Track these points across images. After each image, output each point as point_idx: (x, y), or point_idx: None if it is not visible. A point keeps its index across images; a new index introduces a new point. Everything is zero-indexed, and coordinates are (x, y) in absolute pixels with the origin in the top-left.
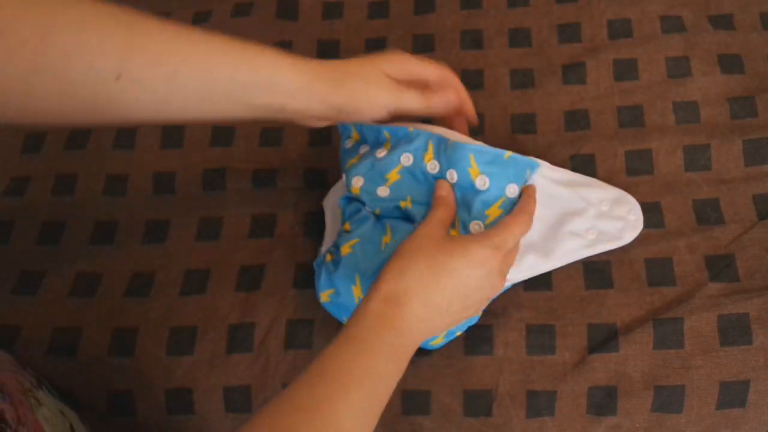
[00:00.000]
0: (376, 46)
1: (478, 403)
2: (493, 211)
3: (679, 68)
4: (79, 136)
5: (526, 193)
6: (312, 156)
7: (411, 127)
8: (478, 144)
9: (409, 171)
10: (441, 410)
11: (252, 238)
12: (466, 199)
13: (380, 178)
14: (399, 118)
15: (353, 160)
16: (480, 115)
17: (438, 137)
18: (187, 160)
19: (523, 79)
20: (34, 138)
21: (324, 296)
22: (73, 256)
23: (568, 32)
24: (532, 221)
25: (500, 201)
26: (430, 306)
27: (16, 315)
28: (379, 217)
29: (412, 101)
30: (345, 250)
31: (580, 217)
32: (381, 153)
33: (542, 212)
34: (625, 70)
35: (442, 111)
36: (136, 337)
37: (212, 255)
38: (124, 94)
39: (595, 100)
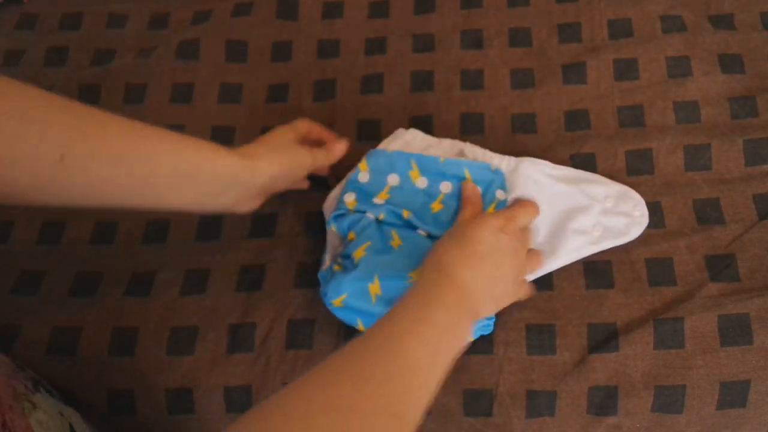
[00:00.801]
0: (376, 45)
1: (478, 402)
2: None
3: (679, 68)
4: None
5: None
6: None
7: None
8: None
9: (396, 191)
10: (441, 410)
11: (252, 238)
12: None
13: (371, 198)
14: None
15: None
16: (480, 115)
17: (419, 156)
18: None
19: (523, 79)
20: None
21: (336, 302)
22: (74, 255)
23: (569, 32)
24: (536, 208)
25: (494, 203)
26: (471, 268)
27: (16, 315)
28: (381, 223)
29: (322, 157)
30: (359, 253)
31: (584, 215)
32: (364, 178)
33: (546, 211)
34: (626, 69)
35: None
36: (137, 336)
37: (213, 255)
38: (67, 175)
39: (596, 99)
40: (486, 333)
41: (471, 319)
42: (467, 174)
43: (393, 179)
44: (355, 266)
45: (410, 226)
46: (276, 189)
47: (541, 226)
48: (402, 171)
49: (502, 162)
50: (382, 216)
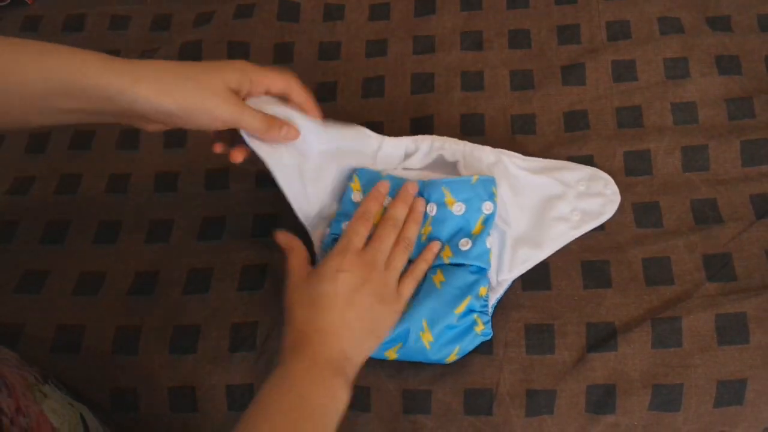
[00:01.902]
0: (377, 47)
1: (479, 401)
2: (477, 228)
3: (677, 69)
4: (83, 137)
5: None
6: None
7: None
8: (447, 177)
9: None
10: (441, 409)
11: (254, 237)
12: (450, 225)
13: None
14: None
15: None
16: (480, 116)
17: (407, 180)
18: (190, 160)
19: (522, 80)
20: (38, 138)
21: None
22: (77, 255)
23: (568, 34)
24: (367, 217)
25: (481, 218)
26: (328, 330)
27: (20, 313)
28: None
29: (253, 121)
30: None
31: (561, 201)
32: (357, 198)
33: (524, 202)
34: (624, 71)
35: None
36: (140, 335)
37: (215, 254)
38: None
39: (594, 101)
40: (486, 339)
41: (339, 368)
42: (446, 191)
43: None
44: None
45: None
46: (172, 124)
47: (522, 219)
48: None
49: (483, 153)
50: None
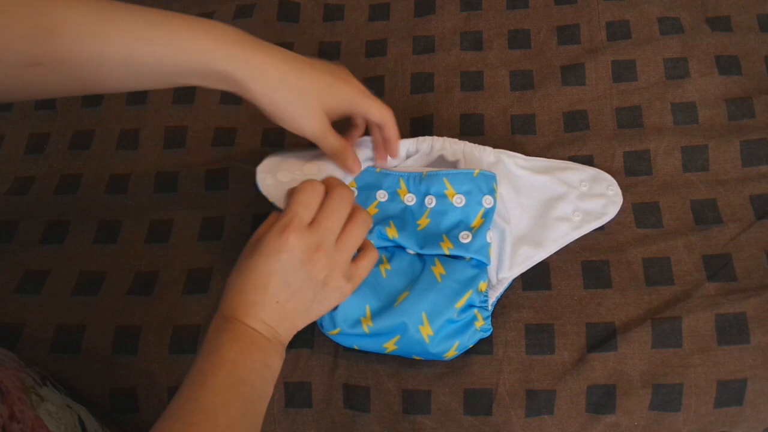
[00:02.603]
0: (376, 47)
1: (478, 402)
2: (477, 222)
3: (677, 69)
4: (83, 137)
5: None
6: None
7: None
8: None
9: (385, 205)
10: (441, 409)
11: None
12: (449, 217)
13: None
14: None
15: None
16: (480, 116)
17: (408, 174)
18: (190, 160)
19: (522, 81)
20: (38, 138)
21: (332, 333)
22: (77, 255)
23: (567, 34)
24: (317, 186)
25: (481, 212)
26: (258, 305)
27: (20, 313)
28: None
29: (330, 146)
30: None
31: (563, 202)
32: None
33: (526, 202)
34: (624, 71)
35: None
36: (139, 335)
37: (215, 254)
38: (49, 77)
39: (594, 101)
40: (485, 336)
41: (268, 339)
42: (447, 183)
43: (381, 195)
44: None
45: (398, 246)
46: (275, 120)
47: (523, 219)
48: (390, 188)
49: (483, 153)
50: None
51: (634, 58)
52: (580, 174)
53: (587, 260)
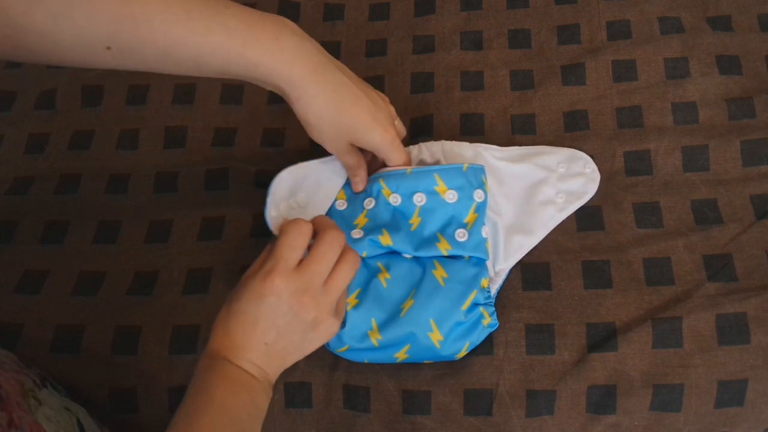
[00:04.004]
0: (376, 47)
1: (479, 402)
2: (471, 217)
3: (677, 69)
4: (83, 137)
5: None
6: (313, 157)
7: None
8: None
9: (373, 212)
10: (441, 409)
11: (254, 237)
12: (441, 214)
13: (351, 226)
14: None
15: None
16: (480, 116)
17: (386, 174)
18: (190, 160)
19: (522, 80)
20: (38, 138)
21: (340, 350)
22: (76, 255)
23: (568, 33)
24: (303, 228)
25: (473, 206)
26: (244, 347)
27: (20, 313)
28: (365, 260)
29: (346, 163)
30: (351, 301)
31: (545, 186)
32: (342, 206)
33: (509, 192)
34: (624, 71)
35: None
36: (139, 335)
37: (214, 254)
38: (114, 61)
39: (594, 100)
40: (493, 329)
41: (255, 378)
42: (438, 179)
43: (368, 202)
44: (346, 318)
45: (393, 253)
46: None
47: (509, 208)
48: (375, 192)
49: (461, 149)
50: (365, 254)
51: (634, 57)
52: (555, 156)
53: (588, 260)
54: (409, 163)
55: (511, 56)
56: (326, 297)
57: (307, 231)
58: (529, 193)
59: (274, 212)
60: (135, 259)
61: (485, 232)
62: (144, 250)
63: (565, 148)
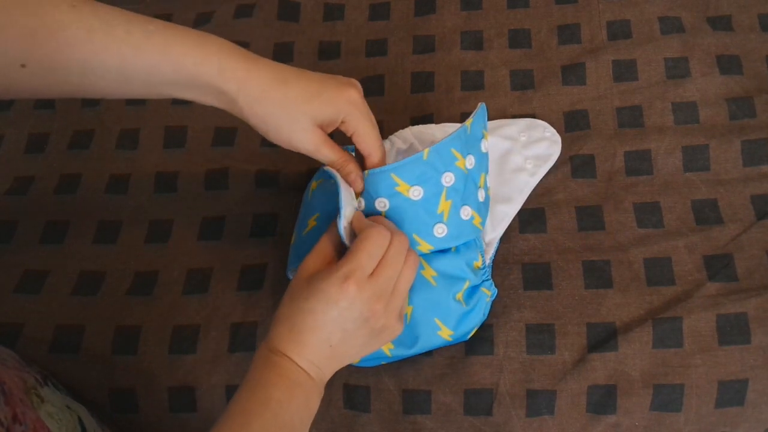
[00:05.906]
0: (377, 47)
1: (479, 402)
2: (444, 206)
3: (678, 69)
4: (83, 137)
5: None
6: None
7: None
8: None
9: (390, 210)
10: (441, 409)
11: (253, 237)
12: (410, 213)
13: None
14: None
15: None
16: None
17: (395, 167)
18: (190, 160)
19: (523, 80)
20: (37, 138)
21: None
22: (76, 255)
23: (568, 33)
24: (384, 235)
25: (443, 194)
26: (307, 344)
27: (20, 313)
28: None
29: (327, 160)
30: None
31: (513, 155)
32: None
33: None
34: (625, 70)
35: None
36: (139, 335)
37: (214, 254)
38: (30, 80)
39: (595, 100)
40: (494, 298)
41: (312, 377)
42: (396, 179)
43: (381, 204)
44: None
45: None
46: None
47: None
48: (386, 191)
49: (431, 130)
50: None
51: (634, 57)
52: (515, 127)
53: (588, 260)
54: (384, 156)
55: (512, 56)
56: (394, 302)
57: (385, 242)
58: (500, 163)
59: (345, 223)
60: (135, 259)
61: (465, 213)
62: (144, 250)
63: (523, 119)
